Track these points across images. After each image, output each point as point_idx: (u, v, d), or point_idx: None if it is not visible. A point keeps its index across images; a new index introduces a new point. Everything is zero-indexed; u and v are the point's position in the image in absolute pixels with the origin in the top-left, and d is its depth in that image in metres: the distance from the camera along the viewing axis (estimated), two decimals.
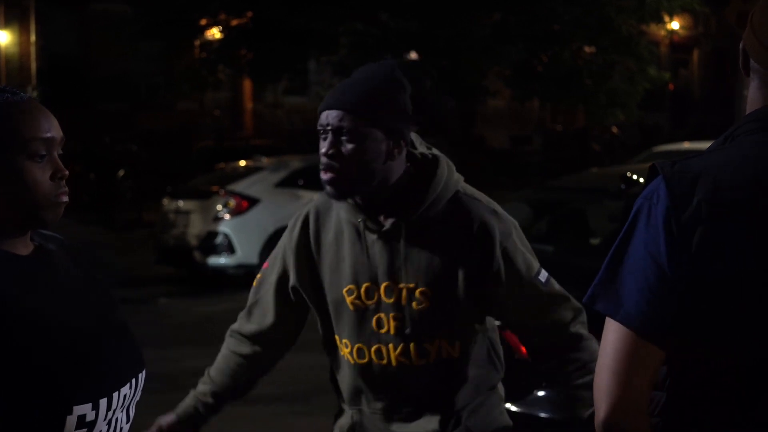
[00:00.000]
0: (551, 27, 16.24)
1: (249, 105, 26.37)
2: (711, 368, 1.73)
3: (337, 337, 2.77)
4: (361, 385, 2.75)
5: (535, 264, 2.66)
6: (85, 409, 1.85)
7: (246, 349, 2.91)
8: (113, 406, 1.91)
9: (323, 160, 2.59)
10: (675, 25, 23.60)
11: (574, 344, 2.70)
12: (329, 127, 2.58)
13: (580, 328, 2.71)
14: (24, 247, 1.94)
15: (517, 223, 2.70)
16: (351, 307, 2.69)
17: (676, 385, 1.75)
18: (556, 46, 16.52)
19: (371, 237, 2.65)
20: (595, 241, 6.75)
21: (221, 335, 2.99)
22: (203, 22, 17.24)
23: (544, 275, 2.67)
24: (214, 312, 11.19)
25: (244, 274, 12.71)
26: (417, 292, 2.63)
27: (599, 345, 1.77)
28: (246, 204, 12.53)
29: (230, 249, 12.39)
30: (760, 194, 1.69)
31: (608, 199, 6.65)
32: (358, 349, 2.71)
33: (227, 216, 12.47)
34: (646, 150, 14.68)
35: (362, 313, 2.68)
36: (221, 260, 12.49)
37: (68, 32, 22.55)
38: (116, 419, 1.93)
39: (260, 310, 2.88)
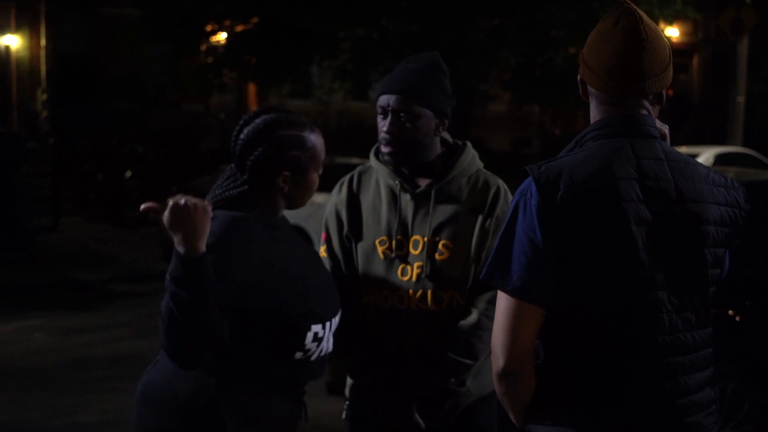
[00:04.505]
0: (547, 32, 16.49)
1: (254, 108, 26.70)
2: (575, 321, 2.23)
3: (362, 288, 3.12)
4: (382, 330, 3.09)
5: None
6: (317, 328, 2.60)
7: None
8: (330, 329, 2.64)
9: (385, 136, 3.11)
10: (674, 32, 23.85)
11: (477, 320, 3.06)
12: (389, 108, 3.09)
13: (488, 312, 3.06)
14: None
15: None
16: (381, 255, 3.13)
17: (549, 335, 2.27)
18: (551, 50, 16.78)
19: (405, 197, 3.15)
20: None
21: None
22: (209, 27, 17.56)
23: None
24: None
25: None
26: (440, 245, 3.10)
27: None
28: None
29: None
30: (601, 183, 2.22)
31: None
32: (384, 295, 3.09)
33: None
34: None
35: (390, 262, 3.12)
36: None
37: (79, 34, 22.83)
38: (328, 339, 2.66)
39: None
